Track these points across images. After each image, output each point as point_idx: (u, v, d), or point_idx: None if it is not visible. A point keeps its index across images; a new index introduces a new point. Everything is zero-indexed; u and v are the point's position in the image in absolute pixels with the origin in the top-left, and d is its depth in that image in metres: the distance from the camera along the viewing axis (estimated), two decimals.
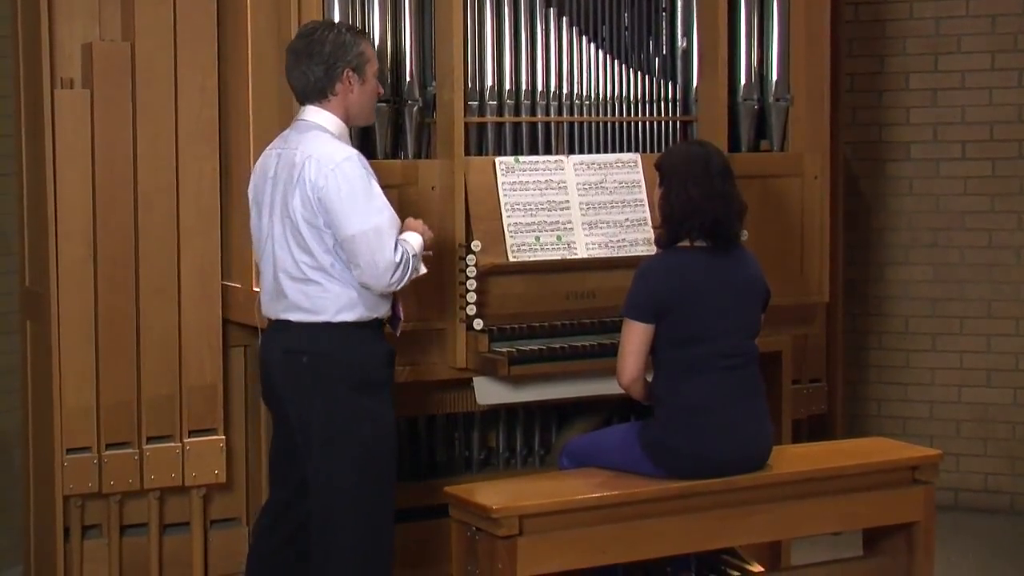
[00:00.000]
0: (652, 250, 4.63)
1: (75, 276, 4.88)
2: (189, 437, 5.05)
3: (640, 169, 4.87)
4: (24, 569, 5.29)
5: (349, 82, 4.11)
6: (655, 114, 5.03)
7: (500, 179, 4.68)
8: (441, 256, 4.48)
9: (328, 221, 3.98)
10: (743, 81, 5.14)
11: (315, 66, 4.09)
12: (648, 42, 5.10)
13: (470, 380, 4.60)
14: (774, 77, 5.19)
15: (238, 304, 5.00)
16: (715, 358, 4.20)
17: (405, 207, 4.40)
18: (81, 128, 4.88)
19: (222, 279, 5.07)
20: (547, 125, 4.87)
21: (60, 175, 4.86)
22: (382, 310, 4.11)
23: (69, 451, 4.90)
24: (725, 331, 4.22)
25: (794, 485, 4.34)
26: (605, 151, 4.94)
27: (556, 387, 4.67)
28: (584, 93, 4.91)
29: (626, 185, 4.85)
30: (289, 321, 4.07)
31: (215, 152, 5.04)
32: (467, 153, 4.66)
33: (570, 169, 4.80)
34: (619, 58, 4.99)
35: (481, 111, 4.76)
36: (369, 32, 4.55)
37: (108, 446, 4.95)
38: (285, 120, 4.50)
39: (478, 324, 4.51)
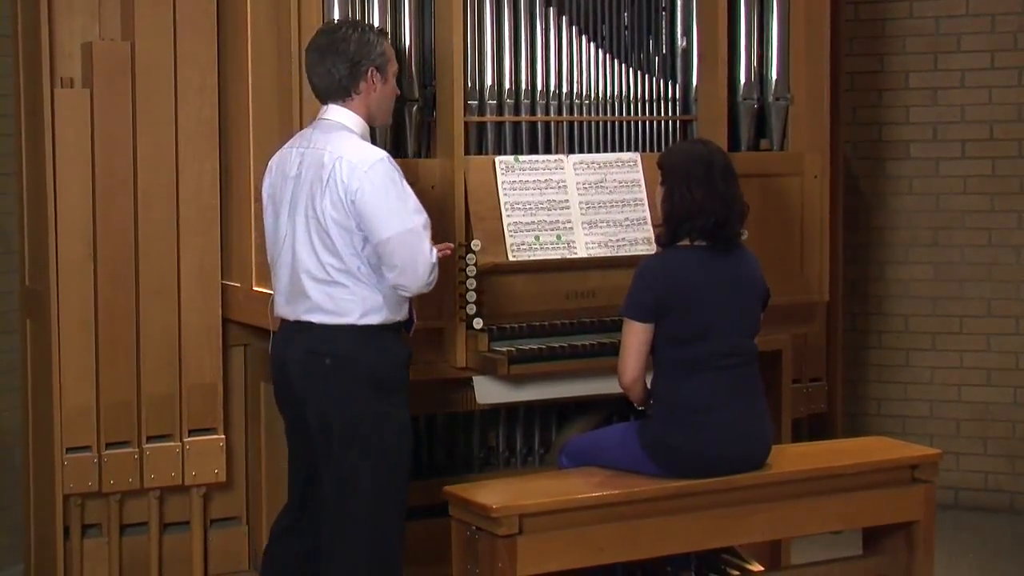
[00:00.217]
0: (652, 249, 4.63)
1: (75, 275, 4.88)
2: (189, 436, 5.05)
3: (640, 168, 4.87)
4: (24, 568, 5.29)
5: (373, 81, 4.07)
6: (655, 113, 5.03)
7: (500, 178, 4.68)
8: None
9: (362, 224, 3.94)
10: (743, 80, 5.14)
11: (340, 64, 4.04)
12: (648, 41, 5.10)
13: (470, 379, 4.59)
14: (774, 76, 5.19)
15: (238, 303, 5.00)
16: (715, 357, 4.20)
17: None
18: (81, 127, 4.88)
19: (222, 278, 5.07)
20: (547, 124, 4.87)
21: (60, 174, 4.87)
22: (403, 313, 4.10)
23: (69, 450, 4.90)
24: (725, 330, 4.22)
25: (794, 484, 4.34)
26: (605, 150, 4.94)
27: (556, 386, 4.67)
28: (584, 92, 4.91)
29: (626, 184, 4.85)
30: (311, 322, 4.02)
31: (215, 151, 5.05)
32: (467, 152, 4.65)
33: (570, 168, 4.80)
34: (619, 57, 4.98)
35: (481, 110, 4.76)
36: None
37: (108, 445, 4.96)
38: (285, 119, 4.51)
39: (478, 323, 4.51)
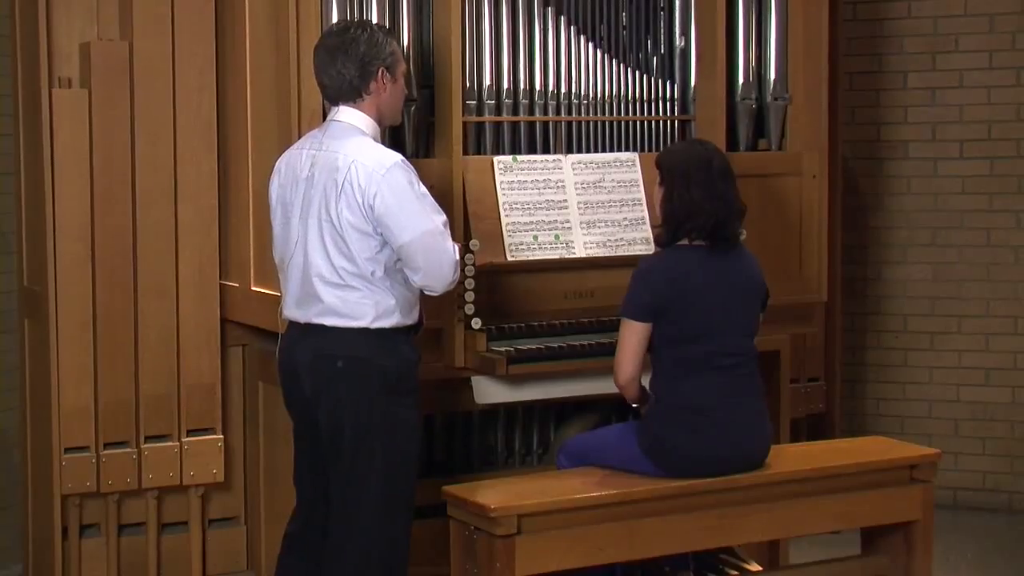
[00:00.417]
0: (650, 249, 4.63)
1: (73, 275, 4.88)
2: (187, 436, 5.05)
3: (638, 168, 4.87)
4: (22, 568, 5.29)
5: (383, 81, 4.04)
6: (653, 113, 5.03)
7: (498, 178, 4.68)
8: None
9: (381, 228, 3.92)
10: (741, 80, 5.15)
11: (350, 65, 4.01)
12: (646, 41, 5.10)
13: (468, 379, 4.59)
14: (772, 76, 5.19)
15: (236, 303, 5.00)
16: (714, 357, 4.20)
17: None
18: (79, 127, 4.88)
19: (220, 278, 5.07)
20: (545, 124, 4.87)
21: (58, 174, 4.87)
22: (414, 317, 4.09)
23: (67, 450, 4.90)
24: (724, 330, 4.22)
25: (792, 484, 4.34)
26: (603, 150, 4.94)
27: (554, 386, 4.67)
28: (582, 92, 4.92)
29: (624, 184, 4.85)
30: (323, 325, 3.99)
31: (213, 151, 5.05)
32: (465, 152, 4.66)
33: (568, 168, 4.80)
34: (617, 57, 4.99)
35: (479, 110, 4.76)
36: None
37: (106, 445, 4.96)
38: (283, 119, 4.51)
39: (476, 323, 4.50)
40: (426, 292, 4.04)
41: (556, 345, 4.58)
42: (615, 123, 4.97)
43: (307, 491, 4.19)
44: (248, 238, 4.87)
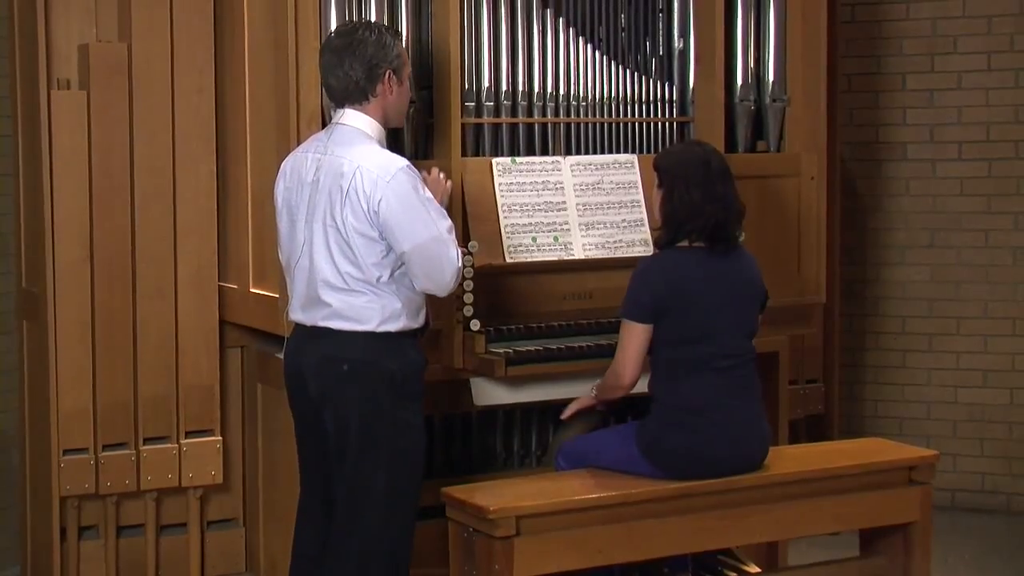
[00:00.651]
0: (649, 251, 4.63)
1: (72, 277, 4.88)
2: (186, 438, 5.06)
3: (637, 170, 4.87)
4: (21, 570, 5.29)
5: (390, 84, 4.03)
6: (652, 115, 5.03)
7: (497, 180, 4.68)
8: None
9: (386, 233, 3.91)
10: (740, 82, 5.15)
11: (357, 66, 3.99)
12: (645, 43, 5.10)
13: (467, 381, 4.59)
14: (771, 78, 5.19)
15: (235, 305, 5.01)
16: (712, 358, 4.20)
17: None
18: (78, 129, 4.88)
19: (219, 280, 5.07)
20: (544, 126, 4.87)
21: (57, 176, 4.87)
22: (420, 320, 4.09)
23: (66, 452, 4.90)
24: (722, 331, 4.22)
25: (791, 486, 4.34)
26: (602, 152, 4.94)
27: (553, 388, 4.67)
28: (581, 94, 4.91)
29: (623, 186, 4.85)
30: (329, 328, 3.99)
31: (212, 153, 5.05)
32: (464, 154, 4.66)
33: (567, 170, 4.80)
34: (616, 59, 4.99)
35: (478, 112, 4.76)
36: None
37: (105, 447, 4.96)
38: (282, 121, 4.50)
39: (475, 325, 4.50)
40: (430, 294, 4.05)
41: (555, 346, 4.58)
42: (614, 125, 4.97)
43: (310, 490, 4.20)
44: (247, 239, 4.87)
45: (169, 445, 5.03)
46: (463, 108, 4.65)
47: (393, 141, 4.62)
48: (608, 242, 4.77)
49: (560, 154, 4.86)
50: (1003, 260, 6.46)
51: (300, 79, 4.43)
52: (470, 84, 4.72)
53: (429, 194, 3.99)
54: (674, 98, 5.08)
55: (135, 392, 4.98)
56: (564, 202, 4.76)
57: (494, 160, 4.71)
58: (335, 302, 3.97)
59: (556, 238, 4.71)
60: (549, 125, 4.88)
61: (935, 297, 6.55)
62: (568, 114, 4.90)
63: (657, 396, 4.26)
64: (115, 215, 4.94)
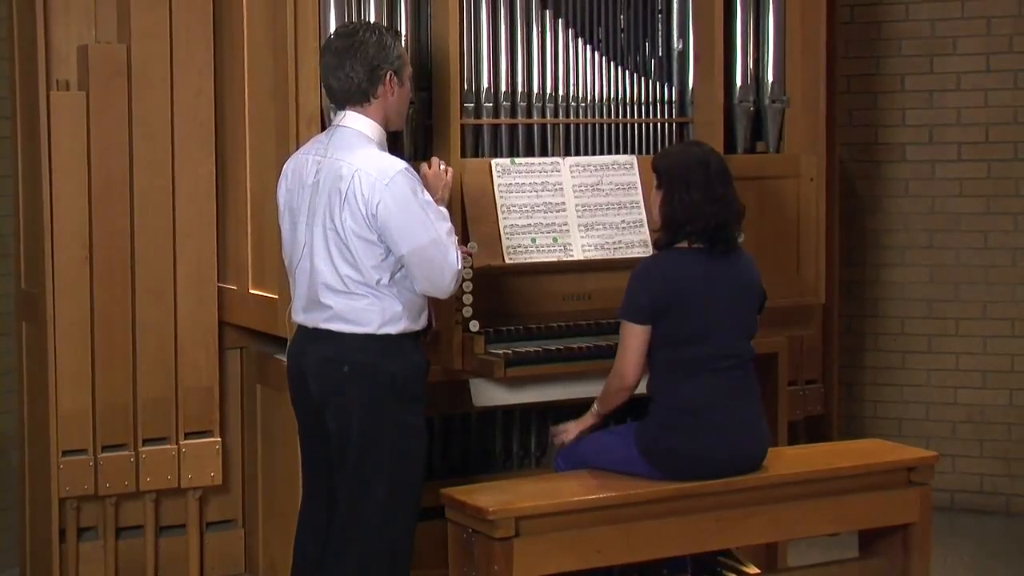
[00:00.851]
0: (648, 252, 4.63)
1: (71, 278, 4.88)
2: (185, 439, 5.05)
3: (636, 171, 4.87)
4: (19, 571, 5.28)
5: (391, 85, 4.02)
6: (651, 116, 5.03)
7: (496, 181, 4.68)
8: None
9: (384, 236, 3.91)
10: (739, 83, 5.15)
11: (359, 68, 3.98)
12: (644, 44, 5.10)
13: (466, 381, 4.59)
14: (770, 79, 5.19)
15: (234, 306, 5.01)
16: (711, 359, 4.20)
17: None
18: (77, 130, 4.88)
19: (218, 281, 5.07)
20: (543, 127, 4.87)
21: (56, 177, 4.87)
22: (422, 322, 4.09)
23: (65, 453, 4.90)
24: (721, 332, 4.22)
25: (790, 486, 4.34)
26: (601, 153, 4.94)
27: (552, 388, 4.67)
28: (580, 95, 4.91)
29: (622, 187, 4.85)
30: (330, 330, 3.99)
31: (211, 154, 5.05)
32: (463, 155, 4.66)
33: (566, 171, 4.80)
34: (615, 60, 4.99)
35: (477, 113, 4.76)
36: None
37: (104, 448, 4.96)
38: (281, 122, 4.50)
39: (474, 326, 4.50)
40: (435, 296, 4.05)
41: (554, 347, 4.58)
42: (613, 125, 4.97)
43: (313, 493, 4.20)
44: (246, 241, 4.87)
45: (168, 446, 5.03)
46: (462, 109, 4.65)
47: (392, 142, 4.63)
48: (607, 243, 4.77)
49: (559, 155, 4.86)
50: (1002, 261, 6.46)
51: (299, 80, 4.43)
52: (469, 85, 4.72)
53: (428, 197, 3.98)
54: (673, 99, 5.08)
55: (134, 393, 4.98)
56: (563, 203, 4.76)
57: (493, 161, 4.71)
58: (336, 304, 3.97)
59: (555, 239, 4.71)
60: (548, 126, 4.88)
61: (934, 298, 6.56)
62: (567, 115, 4.90)
63: (656, 397, 4.26)
64: (114, 216, 4.94)
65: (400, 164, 3.96)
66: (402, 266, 3.95)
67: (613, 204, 4.82)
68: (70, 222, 4.88)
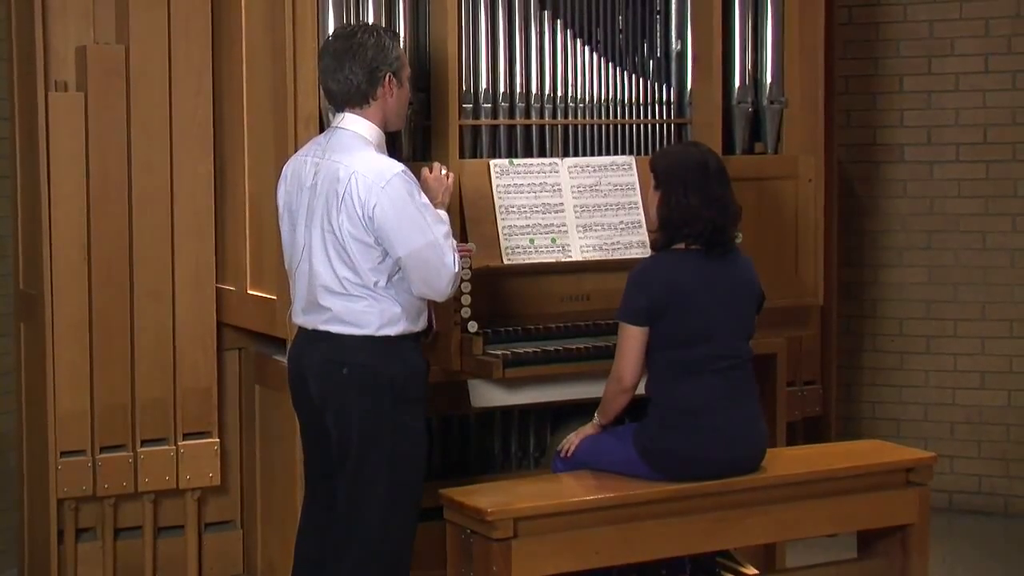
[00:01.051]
0: (647, 253, 4.63)
1: (69, 279, 4.88)
2: (183, 440, 5.05)
3: (635, 172, 4.87)
4: (18, 572, 5.28)
5: (390, 87, 4.02)
6: (650, 117, 5.03)
7: (495, 182, 4.68)
8: None
9: (381, 239, 3.91)
10: (737, 84, 5.15)
11: (358, 70, 3.97)
12: (642, 45, 5.10)
13: (465, 382, 4.59)
14: (768, 80, 5.19)
15: (233, 307, 5.00)
16: (709, 360, 4.20)
17: None
18: (75, 131, 4.88)
19: (216, 282, 5.07)
20: (541, 128, 4.87)
21: (54, 178, 4.87)
22: (421, 324, 4.08)
23: (63, 454, 4.90)
24: (719, 333, 4.22)
25: (789, 487, 4.34)
26: (599, 154, 4.94)
27: (551, 389, 4.67)
28: (578, 96, 4.91)
29: (620, 188, 4.85)
30: (329, 332, 3.99)
31: (209, 155, 5.05)
32: (462, 156, 4.66)
33: (564, 172, 4.80)
34: (613, 61, 4.99)
35: (476, 114, 4.76)
36: None
37: (102, 449, 4.96)
38: (280, 122, 4.50)
39: (472, 327, 4.50)
40: (432, 299, 4.05)
41: (552, 348, 4.58)
42: (611, 126, 4.97)
43: (314, 494, 4.19)
44: (244, 241, 4.87)
45: (167, 447, 5.03)
46: (461, 110, 4.65)
47: (391, 143, 4.63)
48: (606, 244, 4.77)
49: (558, 156, 4.86)
50: (1001, 262, 6.46)
51: (298, 81, 4.42)
52: (468, 86, 4.72)
53: (426, 199, 3.98)
54: (672, 100, 5.07)
55: (132, 394, 4.98)
56: (562, 204, 4.76)
57: (492, 162, 4.71)
58: (334, 306, 3.98)
59: (554, 240, 4.71)
60: (547, 127, 4.88)
61: (933, 299, 6.56)
62: (566, 116, 4.90)
63: (654, 398, 4.26)
64: (113, 217, 4.94)
65: (397, 167, 3.95)
66: (399, 268, 3.95)
67: (612, 205, 4.82)
68: (69, 223, 4.88)
